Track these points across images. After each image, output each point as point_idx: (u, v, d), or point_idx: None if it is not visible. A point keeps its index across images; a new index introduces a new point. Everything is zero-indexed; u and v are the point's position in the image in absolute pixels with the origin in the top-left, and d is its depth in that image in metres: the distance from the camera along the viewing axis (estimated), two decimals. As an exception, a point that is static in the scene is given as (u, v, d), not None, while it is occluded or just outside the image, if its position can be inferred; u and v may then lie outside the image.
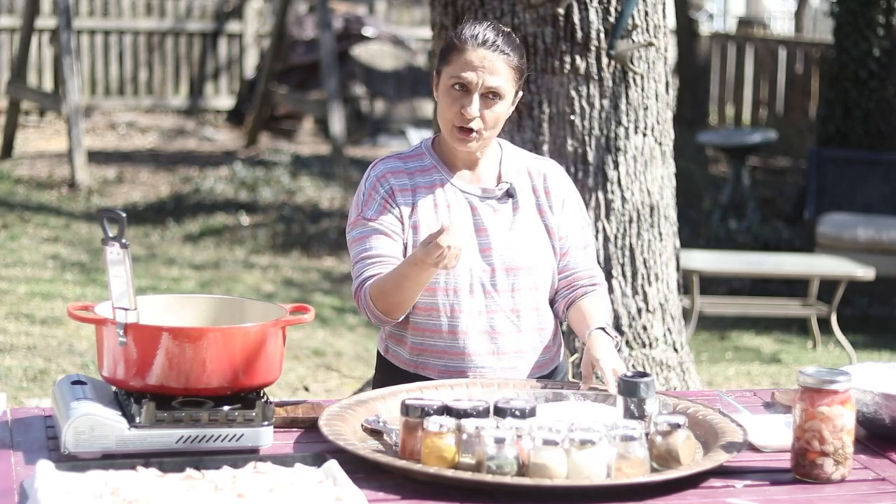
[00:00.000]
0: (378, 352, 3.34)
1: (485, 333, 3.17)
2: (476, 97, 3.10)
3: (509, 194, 3.21)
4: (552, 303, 3.26)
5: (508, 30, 3.21)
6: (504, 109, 3.15)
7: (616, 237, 4.80)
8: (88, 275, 8.61)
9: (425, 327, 3.17)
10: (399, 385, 3.04)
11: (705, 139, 12.15)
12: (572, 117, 4.73)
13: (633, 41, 4.72)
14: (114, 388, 2.81)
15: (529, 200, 3.23)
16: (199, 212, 10.60)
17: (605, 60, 4.72)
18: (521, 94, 3.21)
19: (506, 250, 3.17)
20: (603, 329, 3.12)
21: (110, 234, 2.67)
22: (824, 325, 8.13)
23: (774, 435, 2.86)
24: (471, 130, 3.12)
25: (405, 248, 3.16)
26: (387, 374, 3.26)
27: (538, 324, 3.22)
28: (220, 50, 14.37)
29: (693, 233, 10.54)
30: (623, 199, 4.79)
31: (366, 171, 3.26)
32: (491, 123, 3.13)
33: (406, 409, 2.68)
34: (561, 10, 4.68)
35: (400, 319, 3.15)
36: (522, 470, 2.56)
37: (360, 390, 5.55)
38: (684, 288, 7.58)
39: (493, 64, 3.10)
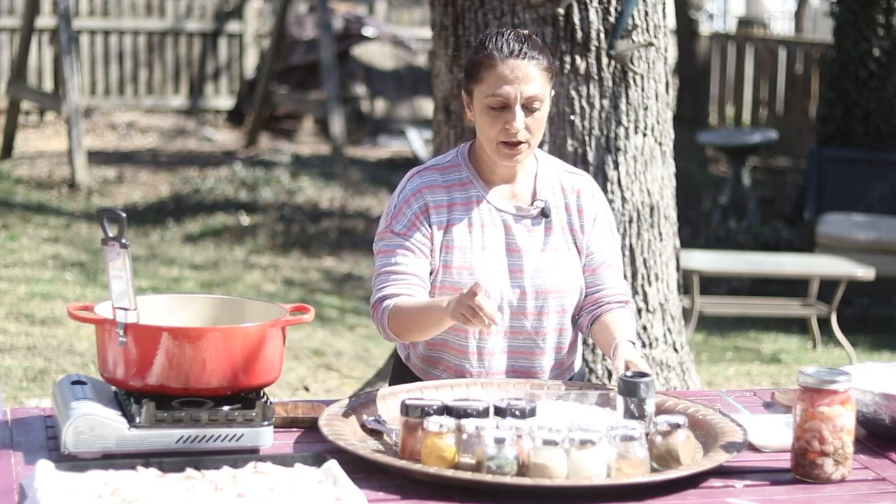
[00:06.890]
0: (398, 355, 3.30)
1: (505, 353, 3.15)
2: (518, 110, 3.02)
3: (544, 213, 3.14)
4: (576, 318, 3.20)
5: (527, 32, 3.12)
6: (545, 113, 3.08)
7: (616, 237, 4.79)
8: (88, 275, 8.61)
9: (453, 346, 3.14)
10: (399, 385, 3.04)
11: (705, 139, 12.16)
12: (572, 117, 4.73)
13: (633, 41, 4.72)
14: (114, 388, 2.81)
15: (562, 218, 3.17)
16: (199, 212, 10.60)
17: (605, 60, 4.72)
18: (554, 91, 3.14)
19: (537, 273, 3.11)
20: (631, 343, 3.04)
21: (110, 234, 2.67)
22: (824, 325, 8.13)
23: (774, 435, 2.86)
24: (518, 143, 3.05)
25: (433, 266, 3.10)
26: (404, 379, 3.20)
27: (558, 343, 3.17)
28: (220, 50, 14.36)
29: (693, 233, 10.54)
30: (623, 199, 4.79)
31: (402, 179, 3.18)
32: (536, 131, 3.06)
33: (406, 409, 2.68)
34: (561, 10, 4.68)
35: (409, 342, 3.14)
36: (522, 470, 2.56)
37: (360, 390, 5.55)
38: (684, 288, 7.58)
39: (525, 73, 3.02)
